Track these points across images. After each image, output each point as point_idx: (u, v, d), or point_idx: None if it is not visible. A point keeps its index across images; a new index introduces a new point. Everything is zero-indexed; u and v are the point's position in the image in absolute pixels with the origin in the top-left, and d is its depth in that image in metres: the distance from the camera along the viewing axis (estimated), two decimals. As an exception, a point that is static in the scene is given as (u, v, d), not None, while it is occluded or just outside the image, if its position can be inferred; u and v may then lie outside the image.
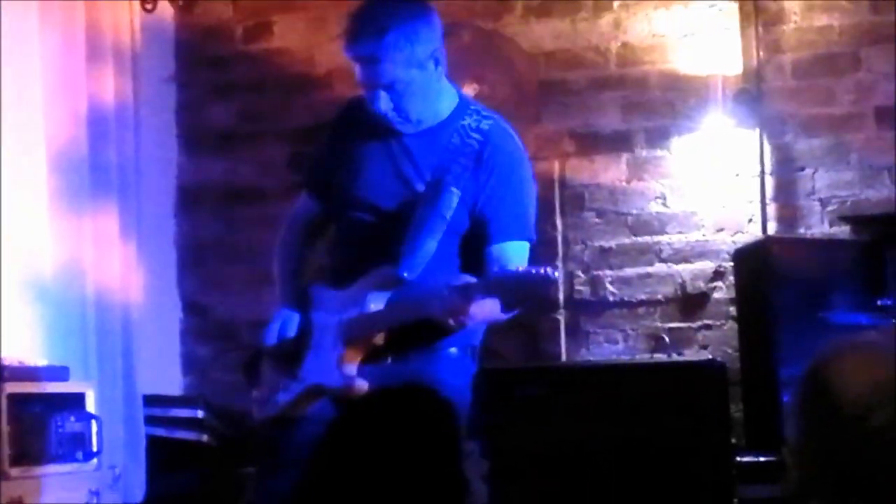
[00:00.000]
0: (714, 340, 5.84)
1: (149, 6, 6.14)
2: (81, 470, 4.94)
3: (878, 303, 5.09)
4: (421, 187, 3.46)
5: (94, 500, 4.96)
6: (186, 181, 6.53)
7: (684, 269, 5.91)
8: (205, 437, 5.65)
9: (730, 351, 5.67)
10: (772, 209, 5.80)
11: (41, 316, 5.27)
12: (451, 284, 3.19)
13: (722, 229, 5.87)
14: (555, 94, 6.07)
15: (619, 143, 6.00)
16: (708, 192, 5.89)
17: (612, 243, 5.99)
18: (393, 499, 3.43)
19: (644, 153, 5.98)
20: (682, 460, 4.76)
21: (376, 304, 3.41)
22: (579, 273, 6.01)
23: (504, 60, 6.09)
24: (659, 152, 5.96)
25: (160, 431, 5.64)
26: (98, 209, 5.52)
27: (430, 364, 3.45)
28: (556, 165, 6.01)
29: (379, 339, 3.40)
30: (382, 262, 3.42)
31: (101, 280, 5.50)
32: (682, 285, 5.91)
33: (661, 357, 5.84)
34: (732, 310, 5.76)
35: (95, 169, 5.53)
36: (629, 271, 5.97)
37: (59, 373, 5.02)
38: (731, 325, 5.76)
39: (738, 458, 4.91)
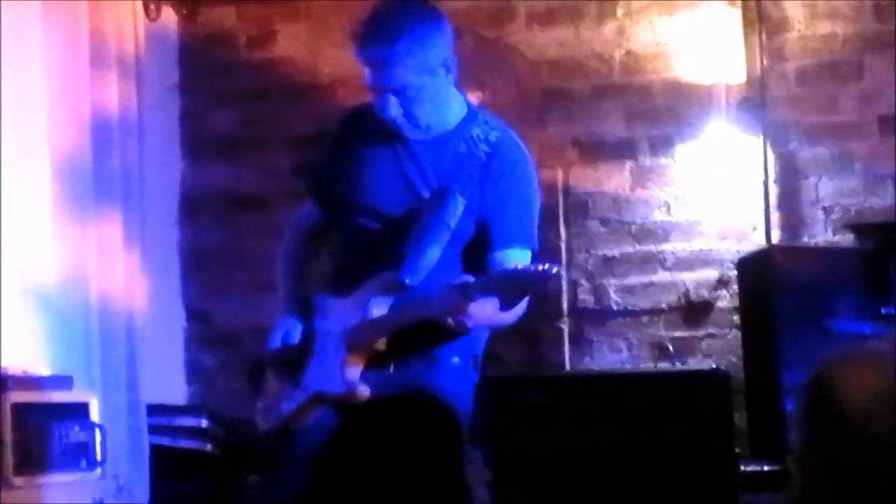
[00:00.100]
0: (718, 349, 5.83)
1: (153, 14, 6.15)
2: (85, 479, 4.93)
3: (882, 311, 5.08)
4: (426, 194, 3.46)
5: (98, 509, 4.96)
6: (190, 188, 6.54)
7: (688, 278, 5.90)
8: (209, 447, 5.65)
9: (733, 359, 5.66)
10: (776, 217, 5.79)
11: (45, 324, 5.27)
12: (450, 283, 3.20)
13: (726, 238, 5.87)
14: (558, 102, 6.07)
15: (622, 151, 6.00)
16: (712, 201, 5.88)
17: (616, 252, 5.99)
18: (396, 506, 3.44)
19: (648, 161, 5.97)
20: (685, 469, 4.75)
21: (379, 309, 3.41)
22: (583, 281, 6.00)
23: (507, 68, 6.10)
24: (663, 160, 5.96)
25: (164, 440, 5.63)
26: (101, 217, 5.51)
27: (432, 372, 3.45)
28: (560, 173, 6.00)
29: (381, 344, 3.40)
30: (386, 268, 3.42)
31: (105, 288, 5.50)
32: (686, 294, 5.90)
33: (664, 366, 5.83)
34: (736, 318, 5.75)
35: (99, 176, 5.53)
36: (633, 280, 5.96)
37: (63, 382, 5.02)
38: (735, 334, 5.75)
39: (742, 467, 4.91)
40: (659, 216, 5.95)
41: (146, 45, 5.92)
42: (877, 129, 5.72)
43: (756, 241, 5.77)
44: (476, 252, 3.45)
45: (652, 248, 5.95)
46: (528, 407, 4.92)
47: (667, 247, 5.93)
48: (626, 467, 4.77)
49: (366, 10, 3.49)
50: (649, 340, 5.92)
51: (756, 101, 5.77)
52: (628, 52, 6.01)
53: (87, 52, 5.54)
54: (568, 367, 5.95)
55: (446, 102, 3.51)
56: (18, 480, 4.67)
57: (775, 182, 5.81)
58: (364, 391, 3.40)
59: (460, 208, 3.41)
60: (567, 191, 6.01)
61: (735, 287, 5.76)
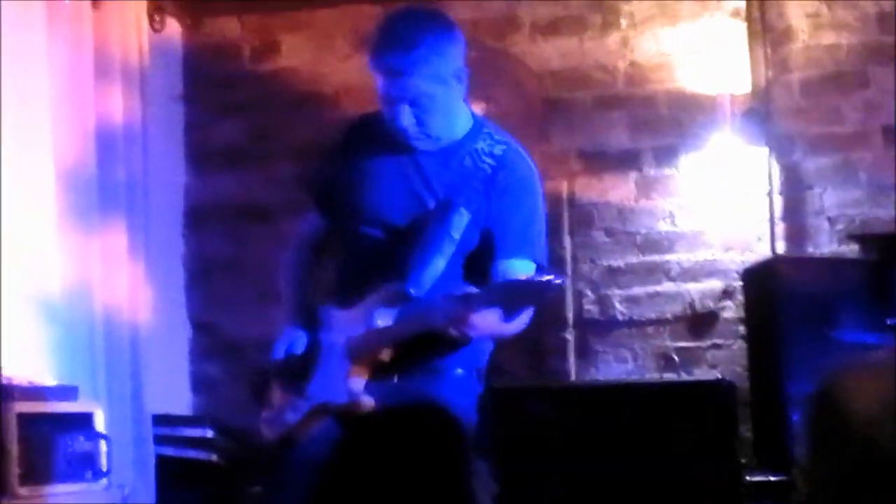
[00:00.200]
0: (723, 359, 5.83)
1: (157, 25, 6.16)
2: (90, 489, 4.92)
3: (887, 321, 5.08)
4: (432, 204, 3.45)
5: (103, 520, 4.95)
6: (195, 199, 6.54)
7: (693, 289, 5.90)
8: (214, 457, 5.65)
9: (739, 370, 5.66)
10: (780, 228, 5.79)
11: (49, 335, 5.26)
12: (452, 294, 3.20)
13: (731, 248, 5.87)
14: (562, 113, 6.07)
15: (627, 161, 6.00)
16: (716, 211, 5.88)
17: (621, 262, 5.99)
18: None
19: (652, 172, 5.98)
20: (691, 480, 4.74)
21: (383, 320, 3.40)
22: (588, 292, 6.00)
23: (511, 79, 6.10)
24: (667, 171, 5.96)
25: (169, 451, 5.63)
26: (106, 227, 5.52)
27: (436, 384, 3.44)
28: (565, 185, 6.01)
29: (385, 355, 3.39)
30: (390, 279, 3.41)
31: (110, 299, 5.50)
32: (691, 304, 5.90)
33: (670, 376, 5.83)
34: (741, 329, 5.75)
35: (104, 187, 5.53)
36: (638, 290, 5.96)
37: (68, 392, 5.01)
38: (740, 345, 5.75)
39: (748, 478, 4.90)
40: (664, 227, 5.95)
41: (150, 56, 5.93)
42: (881, 139, 5.72)
43: (761, 252, 5.77)
44: (480, 262, 3.44)
45: (657, 258, 5.95)
46: (533, 418, 4.92)
47: (672, 257, 5.93)
48: (631, 478, 4.77)
49: (370, 20, 3.49)
50: (654, 351, 5.92)
51: (760, 111, 5.77)
52: (632, 63, 6.02)
53: (91, 63, 5.54)
54: (573, 377, 5.95)
55: (455, 114, 3.50)
56: (23, 491, 4.66)
57: (780, 193, 5.81)
58: (368, 402, 3.39)
59: (465, 221, 3.40)
60: (572, 201, 6.01)
61: (740, 297, 5.76)
